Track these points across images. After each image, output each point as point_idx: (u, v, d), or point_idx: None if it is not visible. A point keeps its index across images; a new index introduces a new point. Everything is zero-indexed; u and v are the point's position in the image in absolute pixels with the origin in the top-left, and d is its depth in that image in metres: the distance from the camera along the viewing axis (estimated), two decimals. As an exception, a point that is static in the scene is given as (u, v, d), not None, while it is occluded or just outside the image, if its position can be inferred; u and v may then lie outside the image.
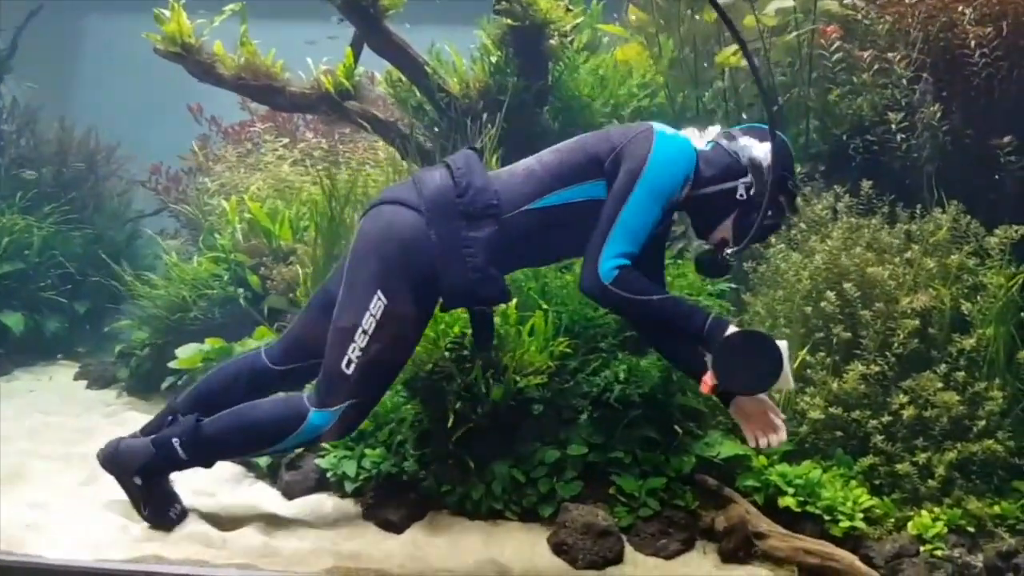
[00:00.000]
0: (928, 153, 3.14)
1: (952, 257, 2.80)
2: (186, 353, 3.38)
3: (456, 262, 2.25)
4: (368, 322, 2.25)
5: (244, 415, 2.39)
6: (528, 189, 2.31)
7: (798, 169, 3.33)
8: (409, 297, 2.28)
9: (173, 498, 2.49)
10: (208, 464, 2.49)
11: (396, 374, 2.42)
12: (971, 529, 2.54)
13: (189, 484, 2.62)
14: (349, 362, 2.26)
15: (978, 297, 2.76)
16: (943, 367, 2.69)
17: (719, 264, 2.39)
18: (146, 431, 2.51)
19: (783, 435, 2.23)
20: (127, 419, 3.41)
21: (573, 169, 2.32)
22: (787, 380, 2.13)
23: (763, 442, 2.22)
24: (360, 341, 2.26)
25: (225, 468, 2.96)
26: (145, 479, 2.44)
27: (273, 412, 2.36)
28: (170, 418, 2.49)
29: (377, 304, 2.25)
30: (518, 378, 2.63)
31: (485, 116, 3.22)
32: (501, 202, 2.28)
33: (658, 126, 2.33)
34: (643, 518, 2.57)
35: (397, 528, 2.56)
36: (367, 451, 2.74)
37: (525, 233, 2.29)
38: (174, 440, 2.38)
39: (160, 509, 2.45)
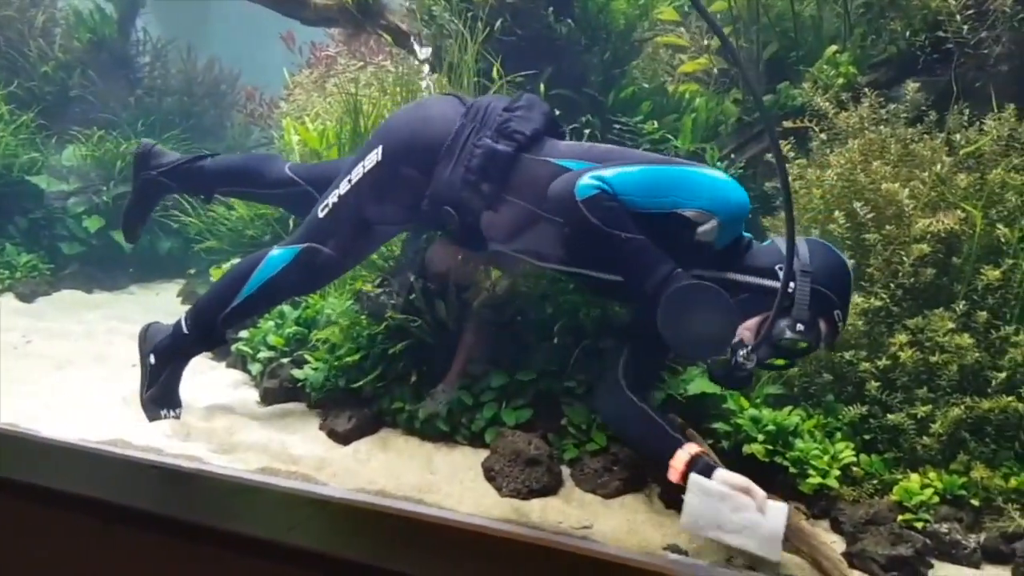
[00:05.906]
0: (1001, 49, 2.53)
1: (995, 172, 2.24)
2: (221, 270, 3.56)
3: (457, 155, 2.21)
4: (357, 172, 2.31)
5: (228, 272, 2.53)
6: (564, 150, 2.21)
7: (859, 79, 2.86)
8: (403, 160, 2.28)
9: (175, 400, 2.60)
10: (208, 338, 2.56)
11: (359, 233, 2.40)
12: (975, 502, 2.08)
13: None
14: (326, 206, 2.35)
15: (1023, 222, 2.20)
16: (962, 305, 2.18)
17: (733, 372, 2.01)
18: None
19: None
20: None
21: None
22: None
23: None
24: (342, 188, 2.33)
25: (229, 375, 3.14)
26: (158, 360, 2.57)
27: (246, 259, 2.49)
28: None
29: (372, 157, 2.29)
30: (466, 297, 2.50)
31: (499, 22, 3.03)
32: (532, 142, 2.21)
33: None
34: (591, 453, 2.38)
35: (343, 439, 2.55)
36: (335, 364, 2.75)
37: (528, 180, 2.18)
38: (183, 318, 2.54)
39: (157, 399, 2.55)
